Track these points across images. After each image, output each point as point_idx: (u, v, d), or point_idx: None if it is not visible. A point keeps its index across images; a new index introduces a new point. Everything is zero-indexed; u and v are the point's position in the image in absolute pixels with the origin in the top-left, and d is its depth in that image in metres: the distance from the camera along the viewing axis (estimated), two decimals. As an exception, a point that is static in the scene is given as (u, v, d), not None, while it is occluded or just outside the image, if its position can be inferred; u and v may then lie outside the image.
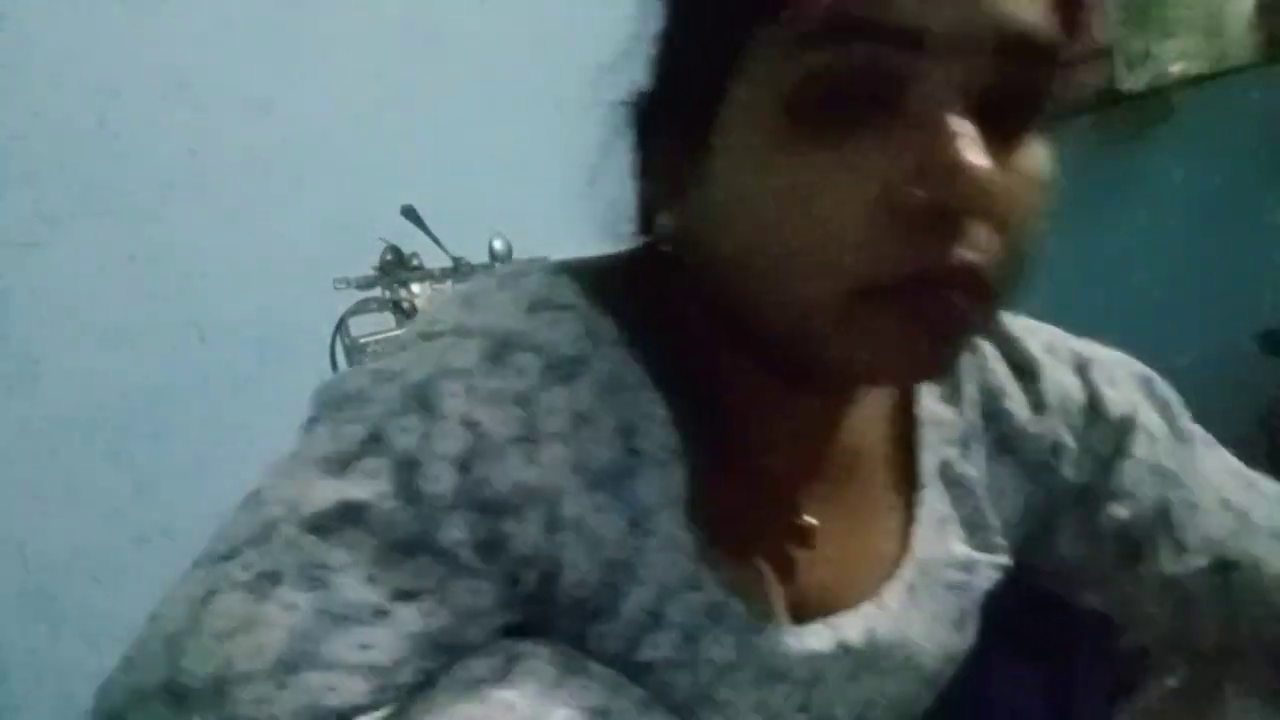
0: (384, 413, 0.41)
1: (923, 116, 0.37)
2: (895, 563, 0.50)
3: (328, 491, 0.39)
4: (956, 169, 0.36)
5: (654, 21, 0.45)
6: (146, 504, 1.20)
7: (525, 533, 0.41)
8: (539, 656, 0.40)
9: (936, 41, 0.36)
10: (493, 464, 0.40)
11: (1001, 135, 0.39)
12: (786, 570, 0.48)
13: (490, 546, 0.40)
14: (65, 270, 1.16)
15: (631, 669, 0.43)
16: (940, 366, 0.42)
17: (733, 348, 0.46)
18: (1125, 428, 0.57)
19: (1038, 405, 0.55)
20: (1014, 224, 0.41)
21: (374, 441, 0.40)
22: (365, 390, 0.42)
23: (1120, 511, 0.55)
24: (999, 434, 0.54)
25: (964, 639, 0.52)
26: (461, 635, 0.40)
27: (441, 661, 0.40)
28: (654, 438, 0.44)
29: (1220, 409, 1.72)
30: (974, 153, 0.36)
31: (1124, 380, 0.61)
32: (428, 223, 1.14)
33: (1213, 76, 1.46)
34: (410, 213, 1.13)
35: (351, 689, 0.37)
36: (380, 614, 0.38)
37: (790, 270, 0.39)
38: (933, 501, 0.51)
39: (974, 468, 0.53)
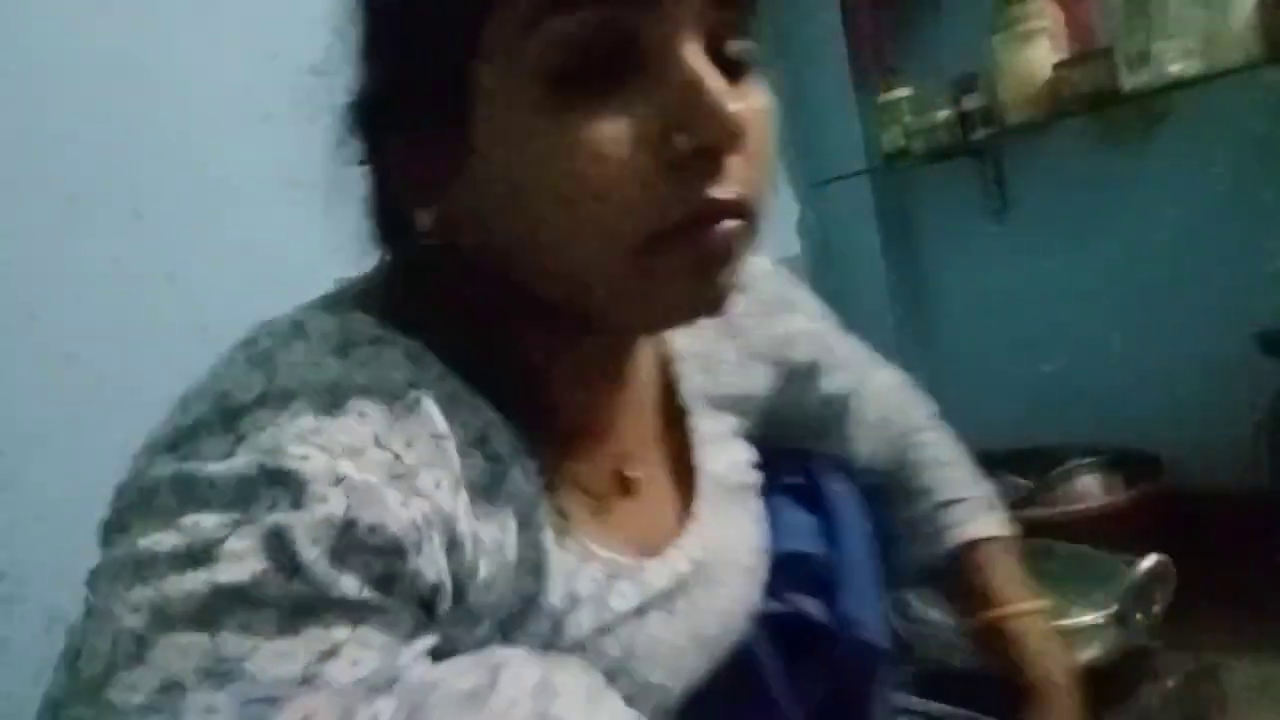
0: (234, 497, 0.37)
1: (671, 69, 0.40)
2: (693, 484, 0.57)
3: (194, 584, 0.36)
4: (714, 114, 0.40)
5: (361, 23, 0.45)
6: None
7: (427, 563, 0.40)
8: (518, 658, 0.38)
9: None
10: (376, 511, 0.38)
11: (730, 76, 0.42)
12: (629, 517, 0.53)
13: (392, 581, 0.39)
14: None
15: (563, 652, 0.46)
16: (723, 297, 0.45)
17: (527, 325, 0.48)
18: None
19: (757, 310, 0.64)
20: (760, 155, 0.44)
21: (232, 526, 0.36)
22: (191, 479, 0.38)
23: (825, 383, 0.71)
24: (739, 343, 0.63)
25: (760, 520, 0.62)
26: (394, 671, 0.39)
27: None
28: (501, 439, 0.45)
29: (1220, 409, 1.74)
30: (725, 97, 0.40)
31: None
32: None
33: (1213, 76, 1.45)
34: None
35: None
36: (308, 682, 0.36)
37: (576, 232, 0.41)
38: (703, 424, 0.59)
39: (727, 383, 0.62)
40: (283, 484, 0.37)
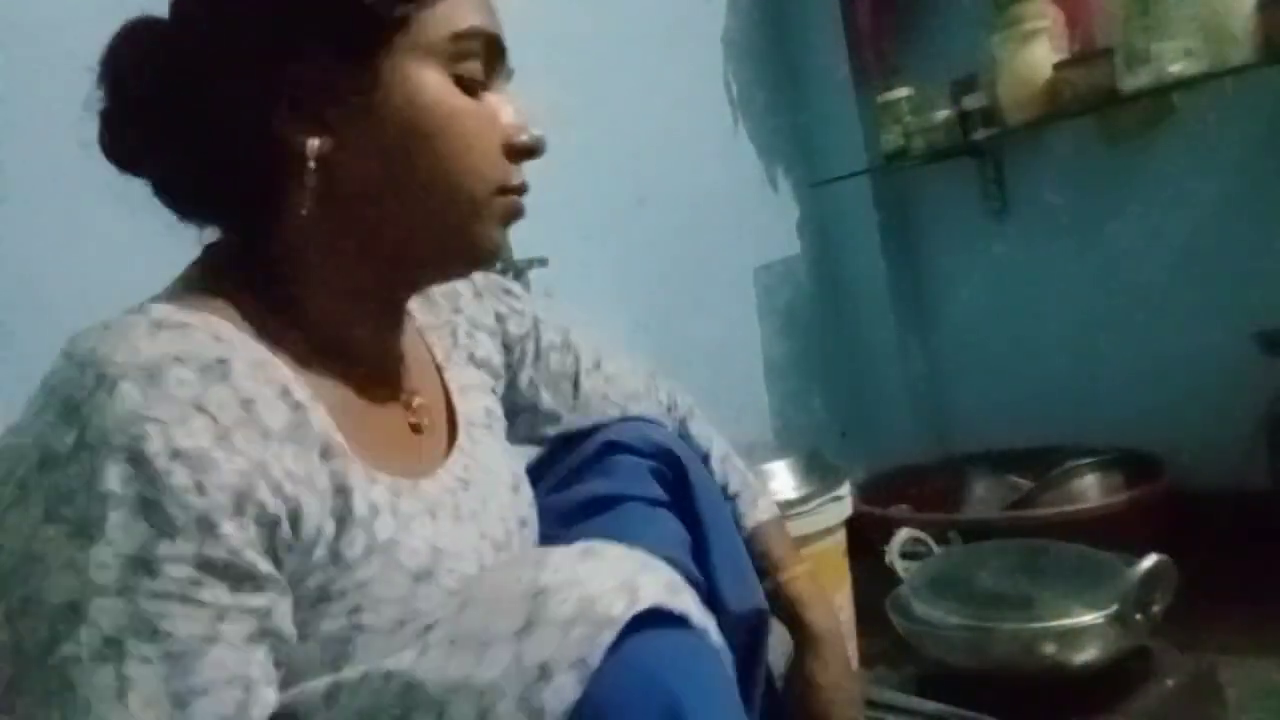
0: (92, 477, 0.45)
1: (507, 99, 0.64)
2: (455, 423, 0.71)
3: (104, 556, 0.45)
4: (538, 133, 0.64)
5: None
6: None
7: (260, 505, 0.49)
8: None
9: (501, 51, 0.63)
10: (211, 474, 0.47)
11: None
12: (410, 451, 0.66)
13: (260, 538, 0.49)
14: None
15: (379, 558, 0.57)
16: (499, 252, 0.65)
17: (341, 294, 0.61)
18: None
19: (475, 293, 0.82)
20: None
21: (100, 502, 0.45)
22: (58, 460, 0.46)
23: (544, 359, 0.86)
24: (464, 316, 0.79)
25: (514, 455, 0.77)
26: (283, 629, 0.51)
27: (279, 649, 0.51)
28: (301, 390, 0.55)
29: (1220, 409, 1.74)
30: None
31: None
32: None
33: (1213, 76, 1.45)
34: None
35: (234, 698, 0.47)
36: (209, 640, 0.46)
37: (455, 166, 0.60)
38: (459, 376, 0.75)
39: (464, 345, 0.78)
40: (131, 459, 0.45)
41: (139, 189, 0.61)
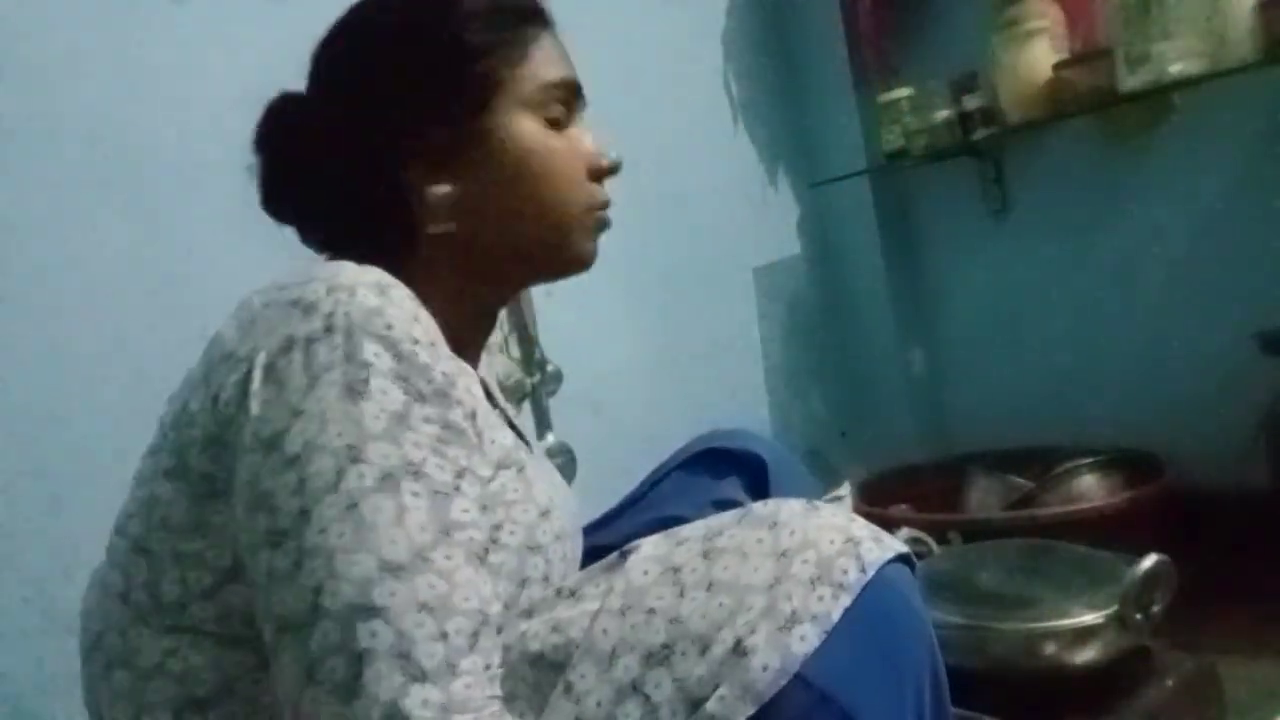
0: (351, 350, 0.55)
1: (584, 129, 0.77)
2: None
3: (373, 410, 0.54)
4: (614, 156, 0.77)
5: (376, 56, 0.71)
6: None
7: (465, 401, 0.59)
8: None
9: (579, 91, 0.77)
10: (439, 362, 0.58)
11: None
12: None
13: (469, 413, 0.59)
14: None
15: (530, 479, 0.70)
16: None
17: (456, 298, 0.72)
18: None
19: None
20: None
21: (363, 368, 0.54)
22: (306, 342, 0.55)
23: None
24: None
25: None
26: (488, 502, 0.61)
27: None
28: (459, 361, 0.65)
29: (1220, 409, 1.74)
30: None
31: None
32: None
33: (1213, 76, 1.45)
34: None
35: (479, 540, 0.56)
36: (456, 490, 0.55)
37: (556, 192, 0.73)
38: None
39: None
40: (383, 342, 0.55)
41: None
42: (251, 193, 0.74)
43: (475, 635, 0.52)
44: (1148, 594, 1.08)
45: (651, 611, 0.61)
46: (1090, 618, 1.07)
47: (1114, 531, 1.41)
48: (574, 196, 0.74)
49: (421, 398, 0.55)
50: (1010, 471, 1.72)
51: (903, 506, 1.76)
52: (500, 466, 0.66)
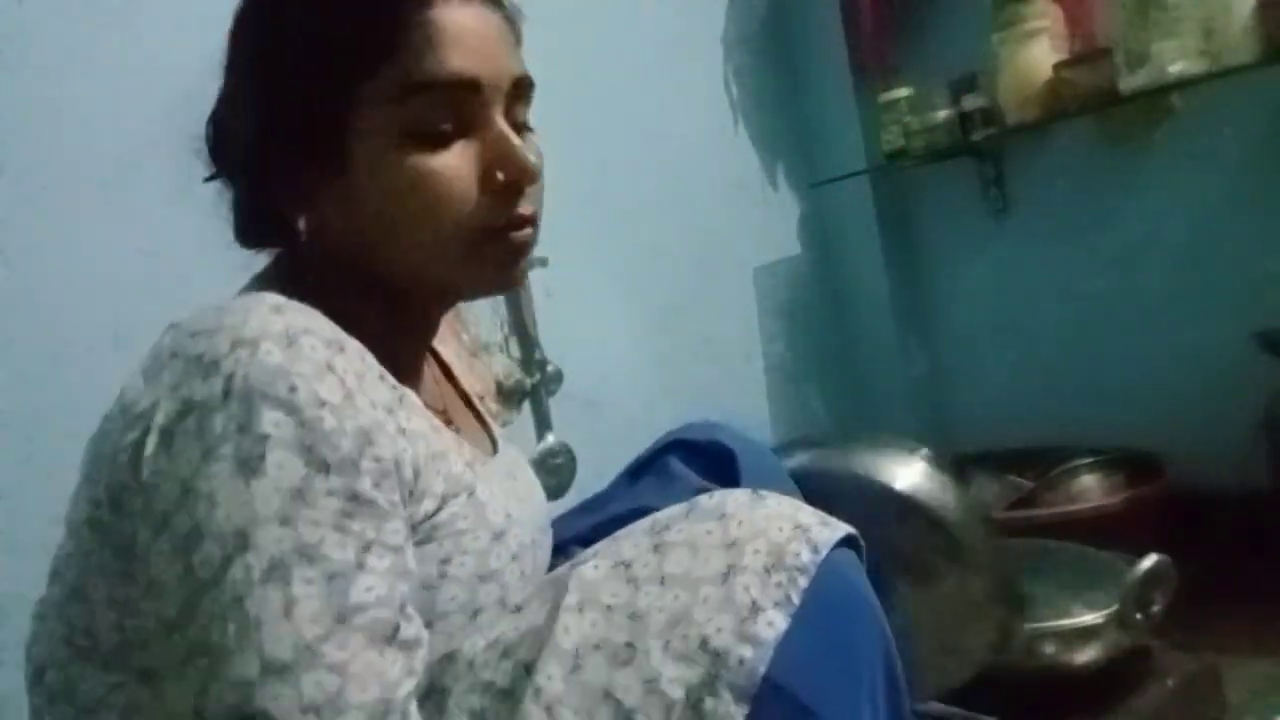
0: (246, 421, 0.51)
1: (492, 132, 0.65)
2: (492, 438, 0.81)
3: (267, 490, 0.50)
4: (521, 164, 0.65)
5: (251, 73, 0.66)
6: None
7: (384, 455, 0.55)
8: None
9: (486, 85, 0.64)
10: (348, 422, 0.53)
11: (520, 134, 0.67)
12: (478, 432, 0.80)
13: (381, 476, 0.54)
14: None
15: (476, 503, 0.65)
16: (519, 278, 0.70)
17: (371, 303, 0.67)
18: None
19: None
20: (540, 186, 0.69)
21: (259, 442, 0.50)
22: (203, 408, 0.51)
23: None
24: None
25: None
26: (411, 567, 0.55)
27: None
28: (389, 379, 0.60)
29: (1220, 409, 1.73)
30: (526, 152, 0.65)
31: None
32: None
33: (1213, 76, 1.45)
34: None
35: (387, 619, 0.51)
36: (360, 566, 0.51)
37: (430, 230, 0.64)
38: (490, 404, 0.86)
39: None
40: (285, 409, 0.51)
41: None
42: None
43: None
44: (1148, 594, 1.08)
45: (609, 608, 0.61)
46: (1090, 618, 1.07)
47: (1114, 531, 1.41)
48: (456, 222, 0.64)
49: (325, 468, 0.51)
50: (1010, 471, 1.72)
51: (903, 506, 1.76)
52: (447, 497, 0.63)
